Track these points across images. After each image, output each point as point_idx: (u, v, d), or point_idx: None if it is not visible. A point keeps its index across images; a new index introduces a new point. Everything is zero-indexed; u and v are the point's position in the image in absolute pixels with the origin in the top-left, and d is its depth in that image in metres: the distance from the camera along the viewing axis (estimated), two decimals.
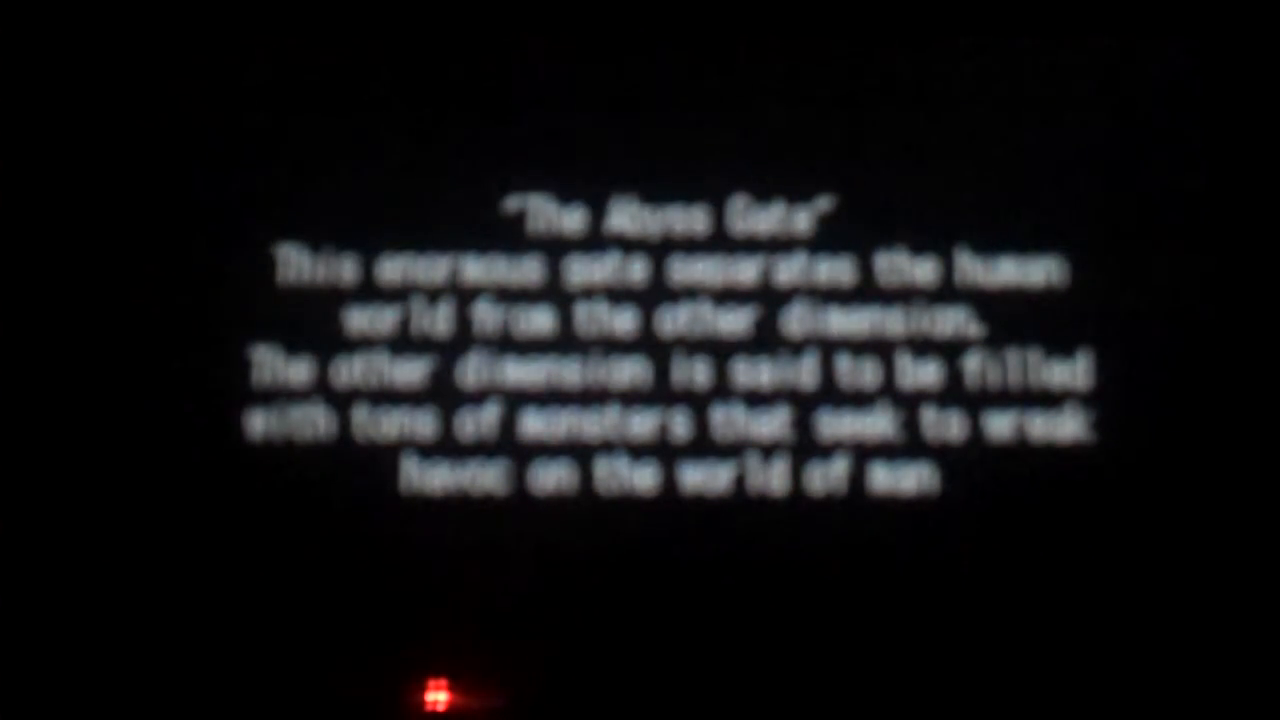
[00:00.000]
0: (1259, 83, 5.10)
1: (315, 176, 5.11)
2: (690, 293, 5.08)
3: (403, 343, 5.06)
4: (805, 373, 5.04)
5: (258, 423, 4.99)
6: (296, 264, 5.07)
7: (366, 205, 5.10)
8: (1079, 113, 5.13)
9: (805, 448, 5.01)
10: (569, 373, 5.04)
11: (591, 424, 5.02)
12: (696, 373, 5.03)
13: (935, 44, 5.15)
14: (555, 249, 5.10)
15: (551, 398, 5.03)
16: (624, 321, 5.07)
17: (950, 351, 5.05)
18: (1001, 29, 5.14)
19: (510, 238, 5.10)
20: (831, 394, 5.04)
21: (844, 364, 5.04)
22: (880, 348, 5.05)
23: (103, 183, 5.06)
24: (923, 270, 5.07)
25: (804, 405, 5.03)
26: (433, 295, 5.07)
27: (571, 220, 5.11)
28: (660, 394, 5.03)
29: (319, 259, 5.07)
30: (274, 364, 5.02)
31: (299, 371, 5.02)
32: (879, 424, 5.02)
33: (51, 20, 5.08)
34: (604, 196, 5.11)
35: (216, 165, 5.08)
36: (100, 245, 5.03)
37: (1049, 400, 5.01)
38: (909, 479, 4.99)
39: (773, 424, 5.02)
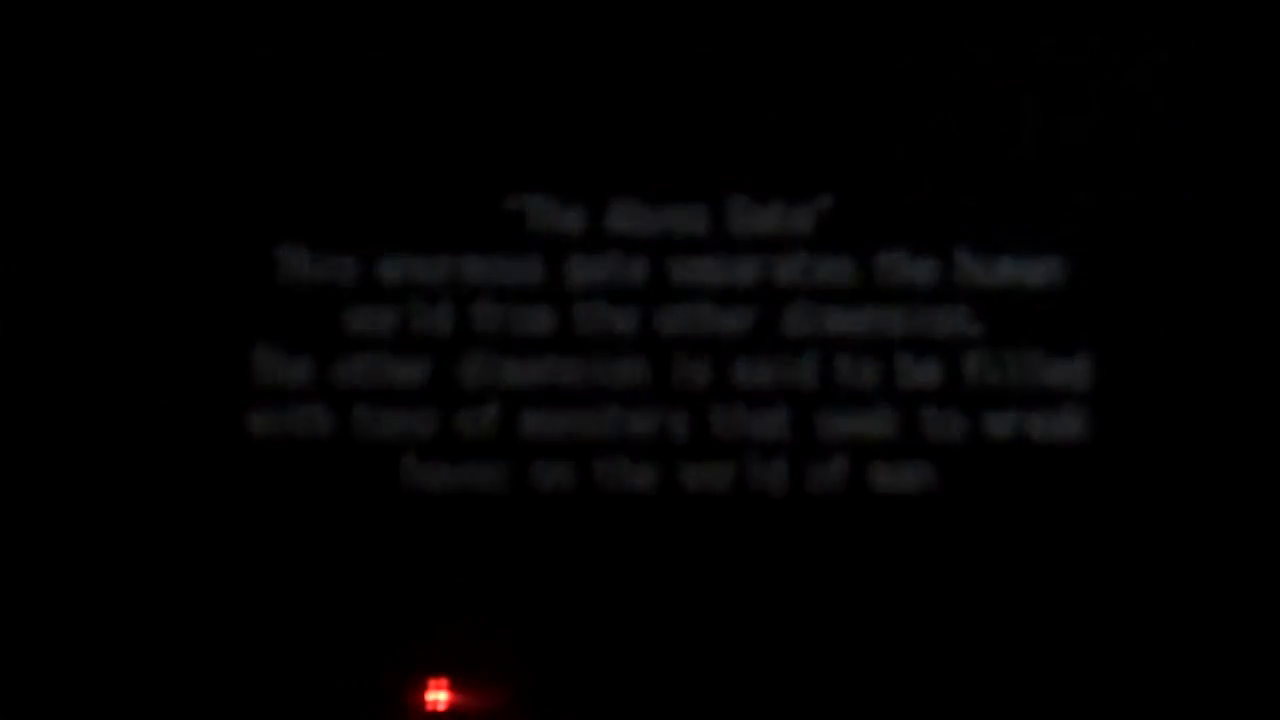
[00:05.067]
0: (1259, 83, 5.10)
1: (314, 176, 5.11)
2: (690, 293, 5.08)
3: (403, 343, 5.05)
4: (805, 373, 5.04)
5: (257, 423, 4.99)
6: (296, 264, 5.07)
7: (366, 205, 5.10)
8: (1079, 112, 5.13)
9: (805, 447, 5.02)
10: (569, 373, 5.04)
11: (591, 424, 5.02)
12: (696, 373, 5.03)
13: (935, 44, 5.15)
14: (555, 249, 5.10)
15: (551, 397, 5.03)
16: (624, 322, 5.07)
17: (950, 351, 5.05)
18: (1002, 29, 5.14)
19: (510, 238, 5.10)
20: (831, 394, 5.04)
21: (844, 364, 5.04)
22: (880, 348, 5.05)
23: (101, 183, 5.06)
24: (922, 270, 5.07)
25: (804, 405, 5.03)
26: (433, 295, 5.07)
27: (571, 220, 5.11)
28: (660, 394, 5.03)
29: (319, 259, 5.07)
30: (274, 364, 5.02)
31: (299, 371, 5.02)
32: (879, 424, 5.02)
33: (50, 19, 5.08)
34: (604, 196, 5.11)
35: (216, 165, 5.08)
36: (98, 245, 5.04)
37: (1049, 400, 5.01)
38: (909, 479, 4.99)
39: (773, 424, 5.01)
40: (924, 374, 5.03)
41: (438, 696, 4.89)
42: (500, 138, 5.13)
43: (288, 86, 5.13)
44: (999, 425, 5.01)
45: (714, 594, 4.94)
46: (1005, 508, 4.97)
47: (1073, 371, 5.03)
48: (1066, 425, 5.00)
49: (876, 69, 5.15)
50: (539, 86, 5.14)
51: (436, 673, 4.90)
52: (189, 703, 4.84)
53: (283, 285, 5.06)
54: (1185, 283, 5.05)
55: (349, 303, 5.06)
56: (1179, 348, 5.02)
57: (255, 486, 4.97)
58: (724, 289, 5.08)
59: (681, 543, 4.97)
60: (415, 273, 5.07)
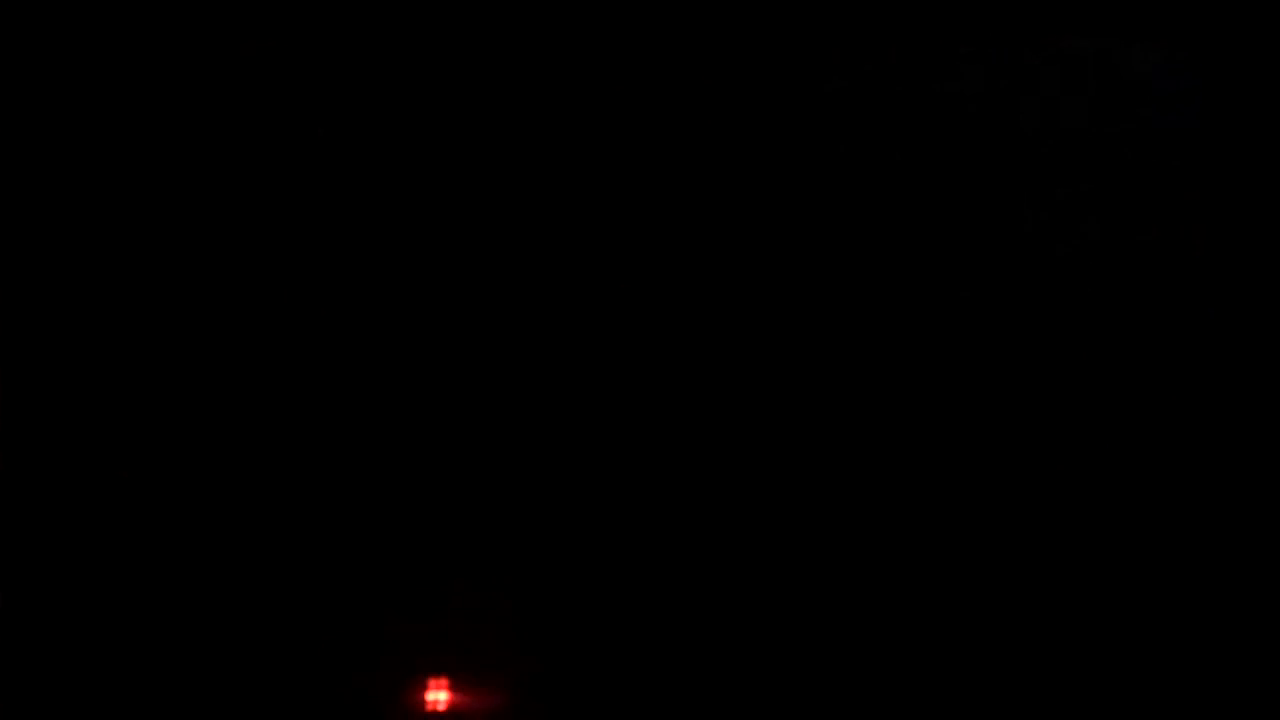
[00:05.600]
0: (1259, 82, 5.11)
1: (318, 177, 5.10)
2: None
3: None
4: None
5: (260, 420, 5.00)
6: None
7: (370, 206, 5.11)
8: (1079, 112, 5.13)
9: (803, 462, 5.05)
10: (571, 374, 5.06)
11: (592, 425, 5.03)
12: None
13: (934, 42, 5.15)
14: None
15: (554, 399, 5.04)
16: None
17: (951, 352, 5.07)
18: (1001, 27, 5.15)
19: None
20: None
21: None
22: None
23: (103, 183, 5.06)
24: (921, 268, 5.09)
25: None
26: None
27: None
28: (660, 397, 5.05)
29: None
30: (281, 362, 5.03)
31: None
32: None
33: (53, 19, 5.08)
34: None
35: (219, 165, 5.08)
36: (99, 247, 5.03)
37: (1053, 399, 5.03)
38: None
39: (767, 433, 5.04)
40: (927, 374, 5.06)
41: (438, 696, 4.90)
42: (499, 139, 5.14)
43: (292, 87, 5.12)
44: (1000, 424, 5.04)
45: (714, 593, 4.96)
46: (1002, 507, 5.00)
47: (1073, 373, 5.05)
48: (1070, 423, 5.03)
49: (874, 68, 5.16)
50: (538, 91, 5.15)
51: (436, 673, 4.91)
52: (190, 703, 4.85)
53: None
54: (1184, 282, 5.07)
55: (349, 304, 5.07)
56: (1178, 348, 5.04)
57: (255, 485, 4.98)
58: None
59: (680, 544, 4.99)
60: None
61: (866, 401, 5.04)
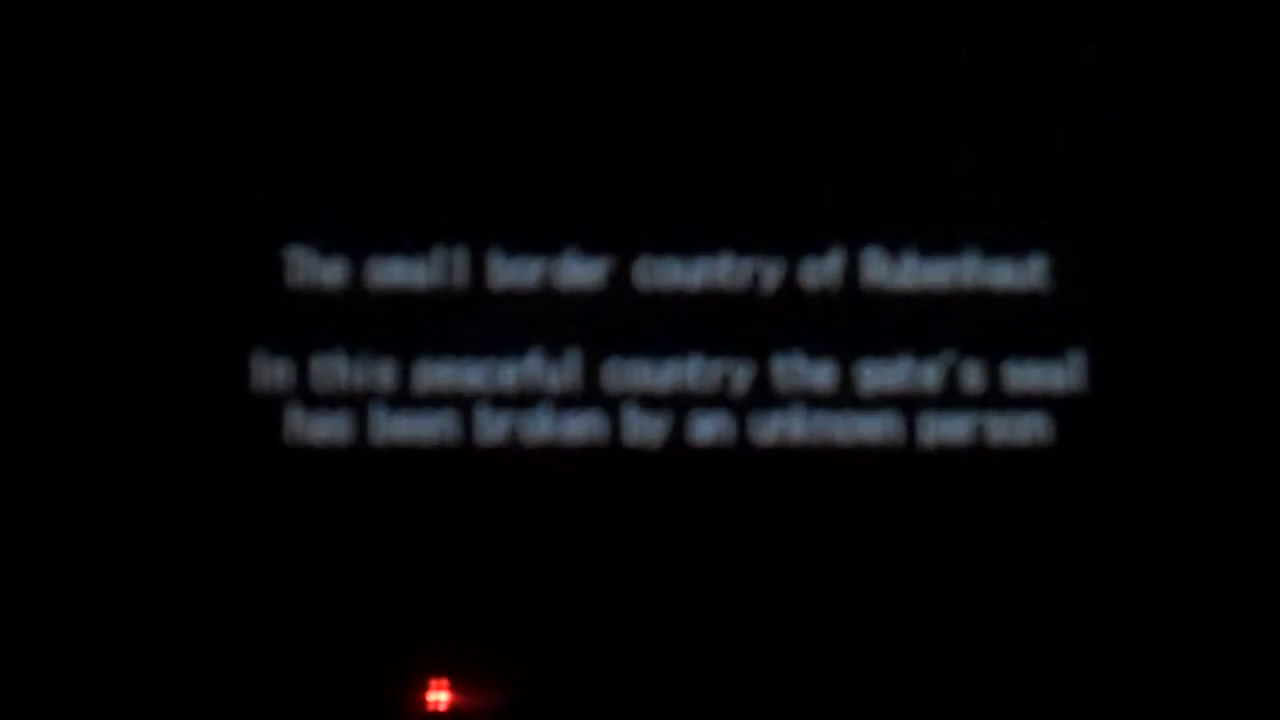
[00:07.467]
0: (1255, 84, 5.08)
1: (325, 178, 5.11)
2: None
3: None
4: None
5: (263, 426, 5.02)
6: (305, 267, 5.08)
7: (376, 207, 5.11)
8: (1075, 114, 5.11)
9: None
10: (578, 377, 5.07)
11: (593, 430, 5.05)
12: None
13: (930, 44, 5.14)
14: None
15: (560, 401, 5.06)
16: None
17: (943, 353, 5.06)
18: (997, 28, 5.13)
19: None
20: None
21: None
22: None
23: (106, 185, 5.06)
24: (911, 272, 5.07)
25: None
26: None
27: None
28: (662, 403, 5.06)
29: (327, 262, 5.08)
30: (282, 366, 5.04)
31: (306, 373, 5.04)
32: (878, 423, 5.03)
33: (56, 20, 5.09)
34: None
35: (224, 166, 5.09)
36: (101, 249, 5.04)
37: (1037, 403, 5.01)
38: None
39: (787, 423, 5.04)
40: (920, 377, 5.05)
41: (438, 696, 4.91)
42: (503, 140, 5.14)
43: (297, 88, 5.12)
44: (991, 427, 5.02)
45: (713, 594, 4.97)
46: (1001, 508, 5.00)
47: (1062, 374, 5.03)
48: (1057, 428, 5.02)
49: (871, 69, 5.14)
50: (539, 89, 5.15)
51: (437, 673, 4.92)
52: (191, 703, 4.87)
53: (291, 288, 5.06)
54: (1180, 285, 5.05)
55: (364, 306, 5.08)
56: (1172, 351, 5.02)
57: (256, 489, 5.00)
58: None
59: (678, 546, 4.99)
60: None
61: None
